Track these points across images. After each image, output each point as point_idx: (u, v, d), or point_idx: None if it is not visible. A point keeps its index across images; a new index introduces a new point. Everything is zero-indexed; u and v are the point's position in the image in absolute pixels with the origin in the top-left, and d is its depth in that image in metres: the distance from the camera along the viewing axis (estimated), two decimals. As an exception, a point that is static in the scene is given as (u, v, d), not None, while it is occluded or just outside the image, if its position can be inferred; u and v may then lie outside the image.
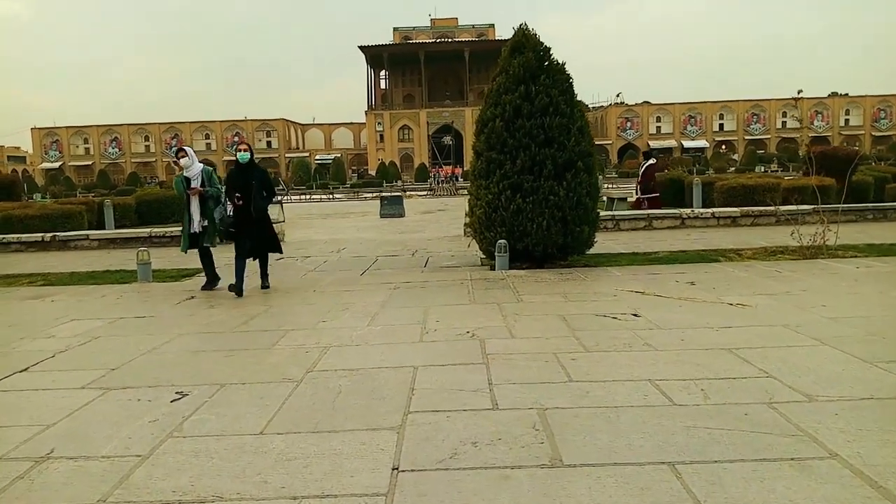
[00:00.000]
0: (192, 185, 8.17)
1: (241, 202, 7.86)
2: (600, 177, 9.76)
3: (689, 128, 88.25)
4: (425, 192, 45.17)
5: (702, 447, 3.16)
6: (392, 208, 22.98)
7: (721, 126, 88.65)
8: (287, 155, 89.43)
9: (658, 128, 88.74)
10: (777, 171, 54.71)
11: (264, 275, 8.41)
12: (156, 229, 15.06)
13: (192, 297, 8.03)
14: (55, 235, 15.01)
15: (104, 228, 17.89)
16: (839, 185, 14.61)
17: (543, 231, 8.85)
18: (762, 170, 54.33)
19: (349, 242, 14.38)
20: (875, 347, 4.76)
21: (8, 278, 10.31)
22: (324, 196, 46.42)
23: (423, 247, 12.86)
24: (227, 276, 8.37)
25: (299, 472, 3.05)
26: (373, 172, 75.71)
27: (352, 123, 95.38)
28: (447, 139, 78.94)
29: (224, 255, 8.72)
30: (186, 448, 3.38)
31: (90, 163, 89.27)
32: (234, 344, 5.61)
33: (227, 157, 79.19)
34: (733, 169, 59.02)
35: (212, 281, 8.43)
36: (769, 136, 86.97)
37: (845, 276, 7.95)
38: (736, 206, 15.29)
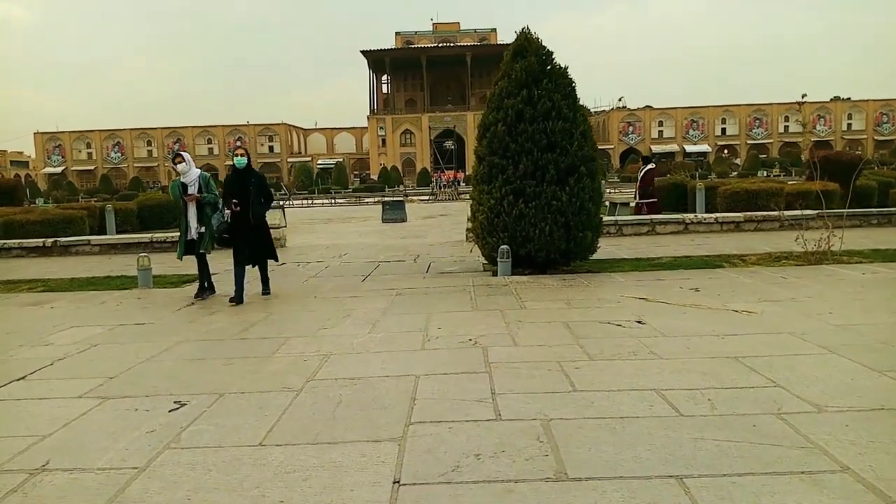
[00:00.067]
0: (189, 192, 8.08)
1: (238, 208, 7.77)
2: (603, 181, 9.71)
3: (691, 132, 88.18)
4: (427, 197, 45.16)
5: (710, 460, 3.09)
6: (394, 213, 22.93)
7: (723, 130, 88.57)
8: (289, 160, 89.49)
9: (660, 132, 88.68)
10: (779, 175, 54.61)
11: (265, 280, 8.35)
12: (157, 235, 15.03)
13: (192, 304, 7.97)
14: (56, 241, 14.98)
15: (105, 234, 17.86)
16: (843, 190, 14.55)
17: (546, 236, 8.79)
18: (764, 174, 54.22)
19: (351, 248, 14.32)
20: (884, 356, 4.69)
21: (8, 284, 10.26)
22: (326, 201, 46.40)
23: (425, 252, 12.80)
24: (226, 284, 8.31)
25: (298, 485, 2.99)
26: (375, 177, 75.72)
27: (354, 128, 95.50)
28: (449, 144, 79.06)
29: (220, 263, 8.65)
30: (184, 460, 3.32)
31: (93, 167, 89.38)
32: (233, 352, 5.55)
33: (229, 162, 78.80)
34: (735, 173, 58.91)
35: (204, 290, 8.27)
36: (771, 141, 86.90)
37: (851, 282, 7.87)
38: (739, 211, 15.22)
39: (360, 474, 3.07)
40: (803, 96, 13.78)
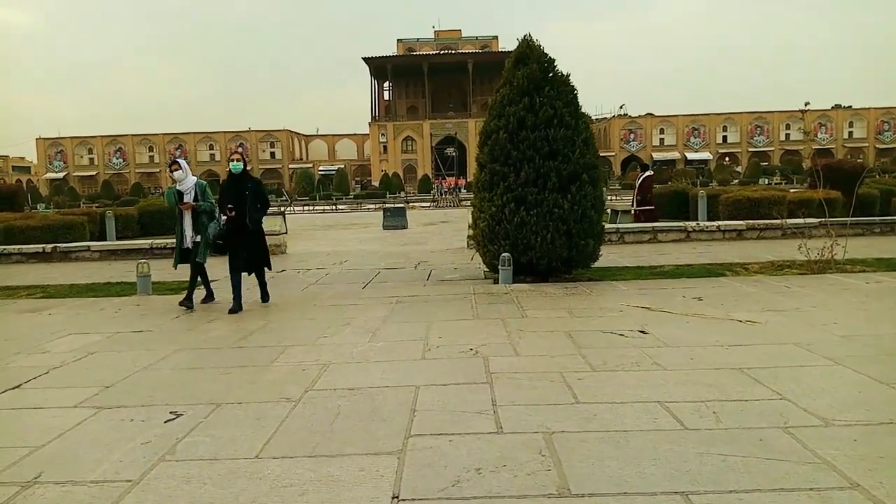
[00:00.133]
0: (185, 200, 7.99)
1: (233, 213, 7.66)
2: (604, 189, 9.68)
3: (692, 139, 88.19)
4: (428, 204, 45.14)
5: (715, 475, 3.02)
6: (395, 220, 22.89)
7: (724, 138, 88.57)
8: (291, 166, 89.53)
9: (661, 139, 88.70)
10: (780, 183, 54.58)
11: (263, 287, 8.26)
12: (157, 241, 14.98)
13: (191, 311, 7.90)
14: (56, 247, 14.93)
15: (106, 239, 17.83)
16: (845, 199, 14.50)
17: (548, 244, 8.73)
18: (766, 182, 54.23)
19: (351, 254, 14.27)
20: (890, 368, 4.62)
21: (7, 290, 10.22)
22: (327, 207, 46.40)
23: (426, 259, 12.74)
24: (225, 290, 8.24)
25: (294, 500, 2.92)
26: (376, 183, 75.73)
27: (355, 134, 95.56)
28: (450, 150, 79.07)
29: (221, 270, 8.55)
30: (178, 473, 3.25)
31: (94, 173, 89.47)
32: (231, 361, 5.49)
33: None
34: (737, 181, 58.89)
35: (190, 297, 8.07)
36: (773, 149, 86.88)
37: (855, 291, 7.80)
38: (741, 219, 15.15)
39: (358, 489, 3.00)
40: (806, 104, 13.76)
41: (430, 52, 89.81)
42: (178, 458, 3.43)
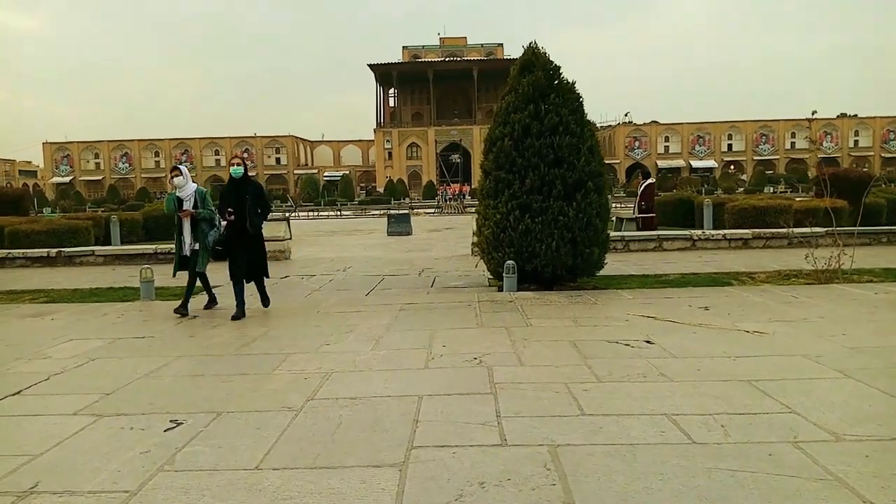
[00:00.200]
0: (184, 207, 7.92)
1: (233, 217, 7.56)
2: (609, 197, 9.64)
3: (697, 148, 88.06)
4: (433, 210, 45.13)
5: (725, 491, 2.95)
6: (399, 226, 22.86)
7: (730, 146, 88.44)
8: (296, 171, 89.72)
9: (666, 147, 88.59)
10: (785, 191, 54.43)
11: (262, 292, 8.20)
12: (161, 246, 14.97)
13: (195, 317, 7.87)
14: (61, 251, 14.94)
15: (111, 244, 17.83)
16: (851, 208, 14.41)
17: (552, 252, 8.67)
18: (771, 190, 54.07)
19: (355, 261, 14.23)
20: (902, 381, 4.55)
21: (11, 294, 10.20)
22: (331, 213, 46.43)
23: (430, 266, 12.69)
24: (227, 296, 8.19)
25: (295, 513, 2.87)
26: (381, 190, 75.81)
27: (360, 141, 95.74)
28: (455, 157, 79.16)
29: (223, 275, 8.48)
30: (177, 484, 3.20)
31: (100, 178, 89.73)
32: (233, 368, 5.44)
33: (235, 173, 79.27)
34: (742, 189, 58.80)
35: (185, 305, 7.96)
36: (778, 157, 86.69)
37: (863, 302, 7.72)
38: (747, 228, 15.07)
39: (359, 502, 2.95)
40: (813, 113, 13.71)
41: (436, 59, 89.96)
42: (176, 469, 3.38)
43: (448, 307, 8.02)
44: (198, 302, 8.47)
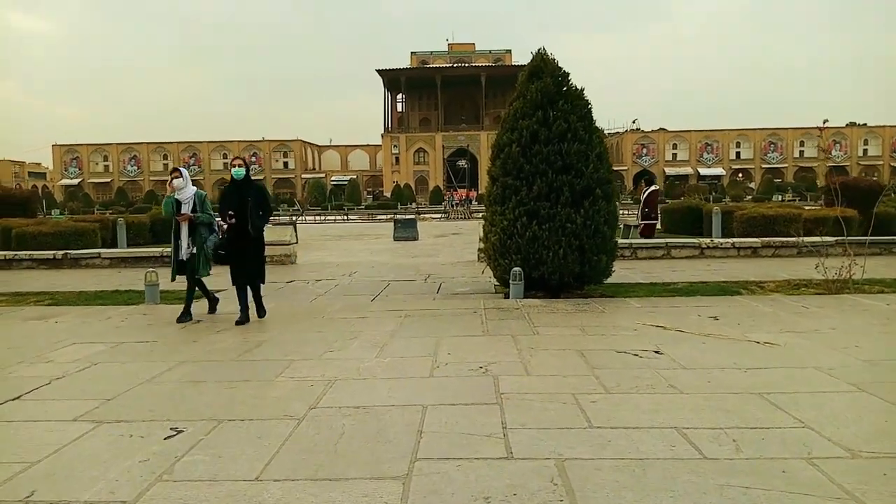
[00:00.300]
0: (183, 210, 7.79)
1: (233, 220, 7.42)
2: (617, 204, 9.55)
3: (705, 155, 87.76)
4: (439, 215, 45.08)
5: (737, 510, 2.86)
6: (405, 231, 22.81)
7: (738, 154, 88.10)
8: (304, 176, 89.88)
9: (674, 154, 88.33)
10: (793, 200, 54.15)
11: (258, 300, 7.87)
12: (168, 249, 14.84)
13: (198, 321, 7.82)
14: (67, 253, 14.95)
15: (117, 247, 17.84)
16: (861, 217, 14.27)
17: (560, 259, 8.59)
18: (779, 199, 53.80)
19: (361, 266, 14.17)
20: (918, 396, 4.44)
21: (16, 296, 10.19)
22: (338, 217, 46.42)
23: (436, 272, 12.62)
24: (232, 302, 8.14)
25: (294, 527, 2.79)
26: (388, 194, 75.84)
27: (368, 145, 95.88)
28: (462, 162, 79.11)
29: (222, 280, 8.41)
30: (175, 494, 3.13)
31: (109, 180, 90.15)
32: (235, 374, 5.38)
33: (243, 177, 79.55)
34: (750, 197, 58.54)
35: (188, 313, 7.88)
36: (786, 165, 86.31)
37: (876, 313, 7.60)
38: (756, 237, 14.95)
39: (361, 516, 2.87)
40: (825, 121, 13.54)
41: (444, 65, 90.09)
42: (175, 479, 3.31)
43: (454, 314, 7.94)
44: (203, 306, 8.43)
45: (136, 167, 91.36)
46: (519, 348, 6.00)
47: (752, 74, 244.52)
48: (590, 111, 9.22)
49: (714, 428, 3.86)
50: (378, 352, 6.02)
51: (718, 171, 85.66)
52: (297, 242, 17.12)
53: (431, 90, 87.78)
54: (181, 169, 8.04)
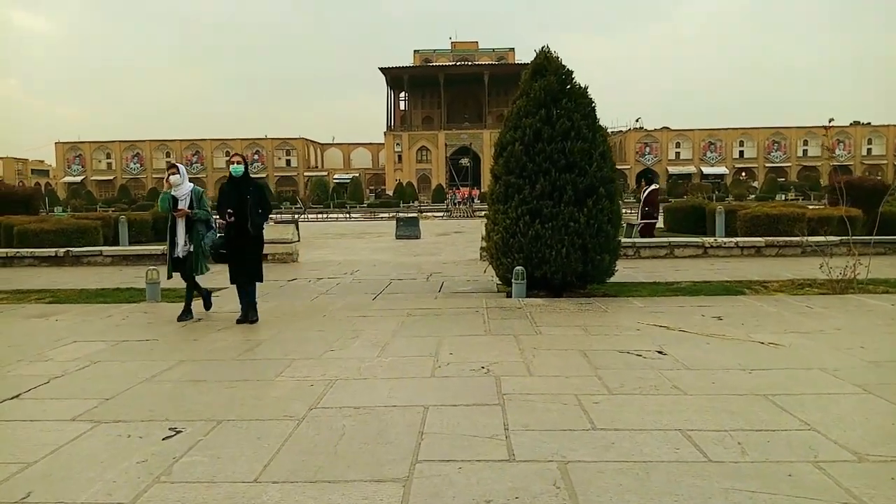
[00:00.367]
0: (180, 207, 7.69)
1: (232, 218, 7.30)
2: (620, 202, 9.49)
3: (708, 154, 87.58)
4: (442, 214, 45.05)
5: (743, 515, 2.82)
6: (408, 229, 22.78)
7: (741, 153, 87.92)
8: (306, 174, 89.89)
9: (677, 153, 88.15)
10: (796, 199, 54.02)
11: (252, 305, 7.62)
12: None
13: (199, 320, 7.78)
14: (69, 251, 14.94)
15: (119, 244, 17.83)
16: (865, 217, 14.18)
17: (563, 258, 8.55)
18: (783, 198, 53.68)
19: (363, 264, 14.14)
20: (925, 398, 4.38)
21: (17, 294, 10.17)
22: (340, 215, 46.42)
23: (438, 270, 12.58)
24: (228, 300, 8.11)
25: (293, 531, 2.75)
26: (390, 193, 75.82)
27: (371, 143, 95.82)
28: (465, 161, 79.06)
29: (221, 278, 8.34)
30: (173, 496, 3.09)
31: (112, 177, 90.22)
32: (235, 374, 5.34)
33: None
34: (753, 196, 58.44)
35: (188, 311, 7.82)
36: (790, 164, 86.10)
37: (881, 313, 7.54)
38: (759, 236, 14.88)
39: (360, 520, 2.83)
40: (830, 121, 13.45)
41: (447, 63, 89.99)
42: (173, 480, 3.27)
43: (456, 313, 7.90)
44: (201, 305, 8.40)
45: (138, 165, 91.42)
46: (521, 348, 5.96)
47: (752, 74, 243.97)
48: (593, 109, 9.17)
49: (719, 430, 3.81)
50: (379, 351, 5.97)
51: (722, 169, 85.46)
52: (298, 240, 17.10)
53: (434, 88, 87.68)
54: (178, 165, 7.97)
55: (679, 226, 20.50)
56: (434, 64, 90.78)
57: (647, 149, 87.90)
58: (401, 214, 32.89)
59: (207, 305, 8.18)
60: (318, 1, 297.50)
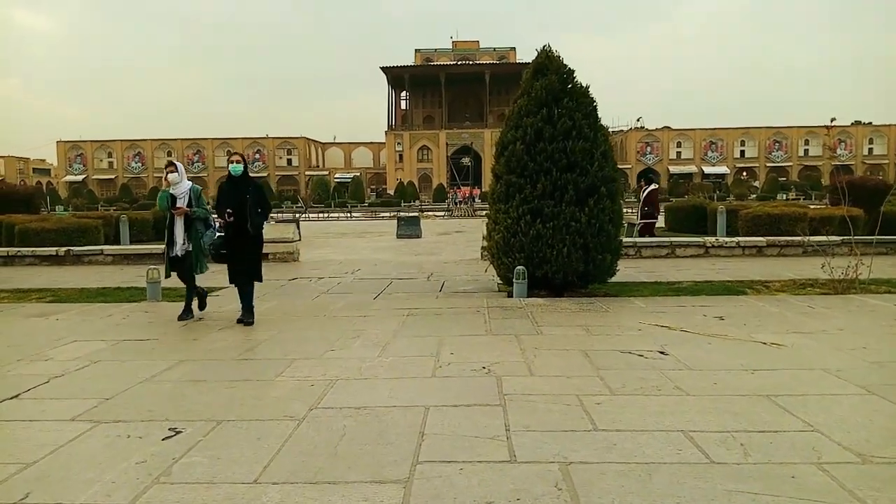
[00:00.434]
0: (178, 205, 7.65)
1: (231, 218, 7.23)
2: (621, 202, 9.46)
3: (709, 153, 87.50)
4: (443, 213, 45.02)
5: (746, 517, 2.80)
6: (409, 229, 22.77)
7: (742, 153, 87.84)
8: (307, 173, 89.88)
9: (678, 153, 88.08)
10: (797, 198, 53.97)
11: (250, 302, 7.52)
12: (170, 246, 14.91)
13: (200, 319, 7.76)
14: (69, 250, 14.92)
15: (120, 243, 17.82)
16: (867, 216, 14.16)
17: (564, 258, 8.52)
18: (784, 197, 53.63)
19: (364, 263, 14.12)
20: (928, 399, 4.36)
21: (18, 293, 10.16)
22: (341, 214, 46.40)
23: (439, 270, 12.56)
24: (229, 300, 8.09)
25: (293, 532, 2.73)
26: (391, 192, 75.82)
27: (372, 143, 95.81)
28: (466, 160, 79.03)
29: (220, 277, 8.31)
30: (172, 498, 3.07)
31: (113, 176, 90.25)
32: (236, 374, 5.32)
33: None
34: (754, 196, 58.39)
35: (189, 310, 7.79)
36: (791, 164, 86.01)
37: (883, 314, 7.51)
38: (761, 236, 14.85)
39: (360, 521, 2.81)
40: (832, 120, 13.43)
41: (448, 63, 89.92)
42: (172, 481, 3.26)
43: (457, 313, 7.88)
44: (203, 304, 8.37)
45: (140, 164, 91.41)
46: (522, 348, 5.94)
47: (753, 74, 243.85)
48: (595, 109, 9.14)
49: (721, 431, 3.79)
50: (380, 351, 5.95)
51: (722, 169, 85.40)
52: (299, 240, 17.08)
53: (435, 87, 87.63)
54: (176, 163, 7.92)
55: (680, 225, 20.48)
56: (435, 63, 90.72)
57: (649, 148, 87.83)
58: (402, 214, 32.89)
59: (202, 305, 8.10)
60: (318, 1, 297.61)
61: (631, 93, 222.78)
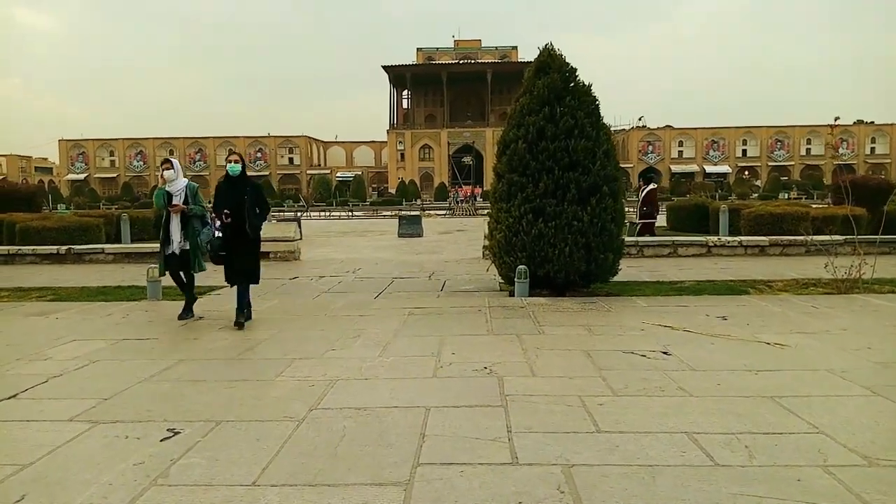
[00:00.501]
0: (174, 202, 7.57)
1: (229, 219, 7.14)
2: (623, 201, 9.42)
3: (711, 153, 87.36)
4: (444, 212, 44.98)
5: (751, 521, 2.76)
6: (410, 228, 22.73)
7: (744, 152, 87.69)
8: (309, 171, 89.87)
9: (680, 152, 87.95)
10: (799, 198, 53.88)
11: (247, 302, 7.45)
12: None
13: (200, 318, 7.73)
14: (70, 248, 14.90)
15: (121, 242, 17.80)
16: (870, 216, 14.10)
17: (566, 257, 8.48)
18: (786, 197, 53.54)
19: (365, 262, 14.08)
20: (934, 400, 4.31)
21: (18, 292, 10.13)
22: (343, 213, 46.34)
23: (440, 269, 12.52)
24: (228, 301, 8.04)
25: (291, 536, 2.69)
26: (393, 191, 75.78)
27: (373, 142, 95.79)
28: (467, 159, 78.97)
29: (218, 276, 8.25)
30: (169, 500, 3.04)
31: (115, 175, 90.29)
32: (235, 373, 5.29)
33: (249, 173, 79.55)
34: (756, 195, 58.27)
35: (189, 309, 7.74)
36: (793, 163, 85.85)
37: (887, 313, 7.47)
38: (763, 235, 14.80)
39: (360, 525, 2.77)
40: (836, 119, 13.39)
41: (450, 62, 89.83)
42: (170, 483, 3.22)
43: (458, 312, 7.84)
44: (206, 302, 8.34)
45: (142, 163, 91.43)
46: (524, 348, 5.90)
47: (753, 74, 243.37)
48: (597, 107, 9.09)
49: (726, 433, 3.75)
50: (381, 351, 5.92)
51: (724, 168, 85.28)
52: (301, 238, 17.05)
53: (437, 86, 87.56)
54: (172, 160, 7.82)
55: (682, 224, 20.42)
56: (437, 62, 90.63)
57: (650, 147, 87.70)
58: (403, 213, 32.82)
59: (184, 314, 7.85)
60: (318, 1, 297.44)
61: (631, 93, 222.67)
